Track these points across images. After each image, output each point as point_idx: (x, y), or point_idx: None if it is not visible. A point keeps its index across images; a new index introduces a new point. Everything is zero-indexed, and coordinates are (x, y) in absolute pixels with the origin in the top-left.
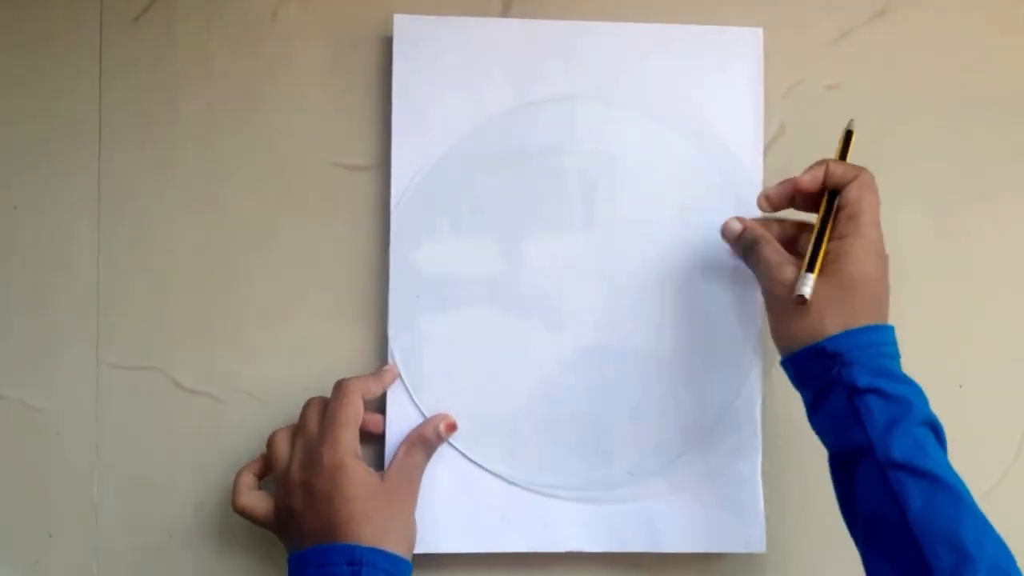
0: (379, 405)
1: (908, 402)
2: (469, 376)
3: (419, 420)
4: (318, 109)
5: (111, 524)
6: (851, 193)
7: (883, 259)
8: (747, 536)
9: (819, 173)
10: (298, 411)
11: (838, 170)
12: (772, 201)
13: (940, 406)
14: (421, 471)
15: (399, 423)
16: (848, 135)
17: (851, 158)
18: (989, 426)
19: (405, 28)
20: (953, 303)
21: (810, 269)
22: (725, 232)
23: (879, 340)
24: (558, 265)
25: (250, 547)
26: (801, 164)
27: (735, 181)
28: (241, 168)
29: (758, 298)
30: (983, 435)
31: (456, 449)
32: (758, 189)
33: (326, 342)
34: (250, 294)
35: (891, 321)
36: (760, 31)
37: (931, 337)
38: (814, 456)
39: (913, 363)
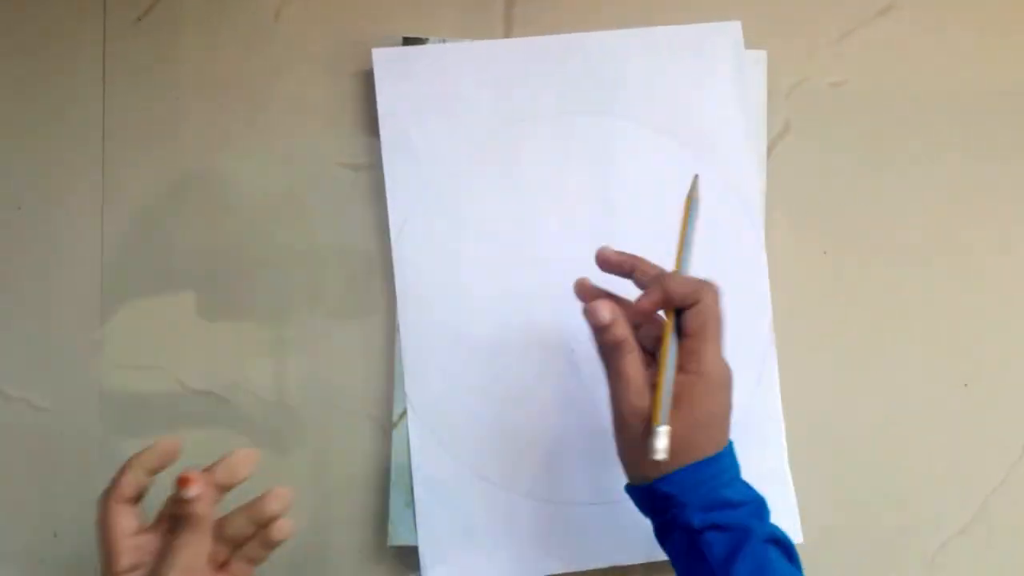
0: (385, 445)
1: (746, 528)
2: (481, 399)
3: (442, 456)
4: (321, 109)
5: None
6: (691, 323)
7: (726, 386)
8: (783, 528)
9: (656, 297)
10: (302, 413)
11: (676, 293)
12: (608, 266)
13: (945, 406)
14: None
15: (424, 461)
16: (691, 204)
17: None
18: (994, 425)
19: (384, 61)
20: (957, 303)
21: (663, 417)
22: (588, 315)
23: (713, 472)
24: (562, 276)
25: None
26: (806, 161)
27: (729, 177)
28: (245, 167)
29: (766, 290)
30: (988, 435)
31: (486, 479)
32: (754, 182)
33: (330, 341)
34: (255, 295)
35: (895, 321)
36: (739, 24)
37: (936, 337)
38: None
39: (918, 364)
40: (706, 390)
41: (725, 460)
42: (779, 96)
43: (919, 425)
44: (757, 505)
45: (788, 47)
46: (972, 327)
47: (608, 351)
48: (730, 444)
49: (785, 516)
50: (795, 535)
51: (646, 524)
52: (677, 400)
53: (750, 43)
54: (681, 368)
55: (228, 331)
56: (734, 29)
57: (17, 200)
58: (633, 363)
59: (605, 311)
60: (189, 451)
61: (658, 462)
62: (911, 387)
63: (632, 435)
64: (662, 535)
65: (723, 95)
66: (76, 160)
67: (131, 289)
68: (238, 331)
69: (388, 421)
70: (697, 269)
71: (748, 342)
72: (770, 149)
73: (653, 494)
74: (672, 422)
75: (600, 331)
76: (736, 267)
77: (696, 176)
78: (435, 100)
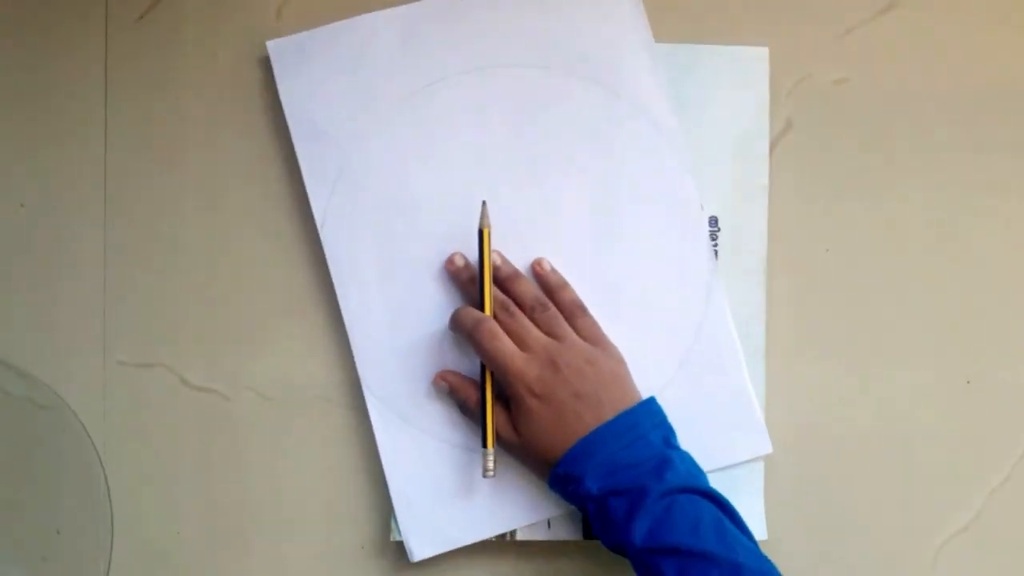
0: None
1: (641, 487)
2: (438, 365)
3: (415, 435)
4: None
5: (119, 521)
6: (484, 361)
7: (553, 401)
8: (752, 443)
9: (463, 336)
10: (304, 409)
11: (463, 326)
12: (452, 269)
13: (947, 403)
14: None
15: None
16: (480, 236)
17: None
18: (997, 421)
19: (280, 50)
20: (960, 299)
21: (484, 444)
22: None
23: (602, 440)
24: (502, 237)
25: (258, 544)
26: (808, 159)
27: (639, 104)
28: (247, 165)
29: (700, 218)
30: (991, 431)
31: (447, 442)
32: (663, 104)
33: (332, 339)
34: (257, 291)
35: (897, 318)
36: None
37: (938, 333)
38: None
39: (920, 361)
40: (528, 420)
41: (618, 425)
42: (781, 94)
43: (921, 422)
44: (658, 461)
45: (790, 45)
46: (974, 324)
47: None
48: (633, 408)
49: (752, 434)
50: (764, 447)
51: None
52: (516, 410)
53: (752, 40)
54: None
55: (231, 329)
56: None
57: (20, 198)
58: (475, 401)
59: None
60: (193, 449)
61: (543, 466)
62: (913, 384)
63: (513, 453)
64: (585, 515)
65: (624, 29)
66: (78, 158)
67: (134, 286)
68: (241, 329)
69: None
70: (630, 208)
71: (688, 267)
72: (772, 147)
73: (556, 479)
74: (522, 427)
75: (447, 387)
76: (664, 198)
77: (484, 203)
78: (336, 80)
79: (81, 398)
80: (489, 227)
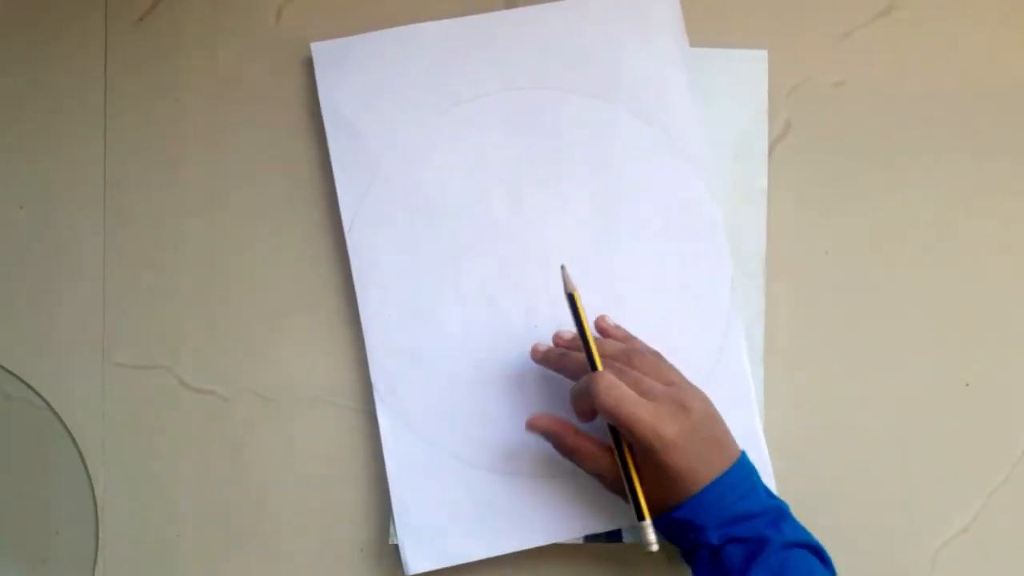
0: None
1: (762, 538)
2: (457, 387)
3: (423, 447)
4: (320, 108)
5: (118, 522)
6: (620, 429)
7: (687, 450)
8: None
9: (580, 409)
10: (303, 410)
11: (579, 408)
12: (538, 362)
13: (947, 405)
14: None
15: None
16: (571, 299)
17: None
18: (995, 424)
19: (324, 53)
20: (959, 301)
21: (640, 516)
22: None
23: (722, 490)
24: (519, 252)
25: (256, 545)
26: (807, 161)
27: (673, 137)
28: (246, 167)
29: (724, 252)
30: (989, 433)
31: (455, 457)
32: (700, 140)
33: (331, 341)
34: (256, 293)
35: (897, 320)
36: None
37: (937, 335)
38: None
39: (920, 363)
40: (664, 475)
41: (735, 475)
42: (780, 96)
43: (920, 424)
44: (775, 514)
45: (789, 47)
46: (974, 326)
47: (565, 454)
48: (742, 457)
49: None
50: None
51: (609, 494)
52: (643, 458)
53: (750, 43)
54: (637, 457)
55: (230, 330)
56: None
57: (19, 200)
58: (588, 454)
59: (539, 428)
60: (192, 451)
61: (659, 504)
62: (912, 386)
63: (617, 490)
64: (688, 556)
65: (662, 56)
66: (78, 160)
67: (133, 288)
68: (241, 330)
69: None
70: (651, 234)
71: (708, 304)
72: (771, 149)
73: (671, 522)
74: (648, 473)
75: (547, 434)
76: (689, 227)
77: (563, 267)
78: (377, 87)
79: (80, 400)
80: (576, 290)
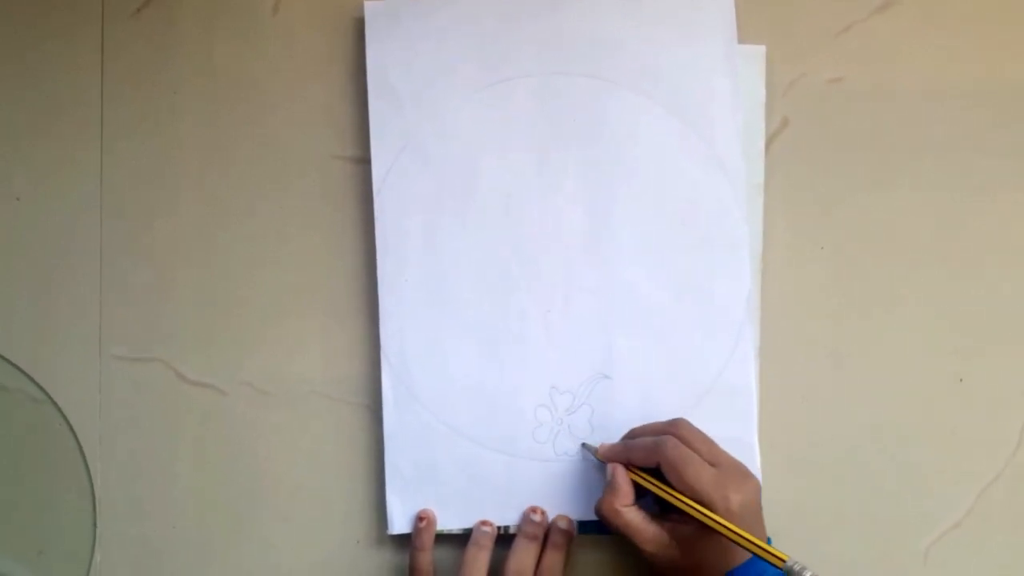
0: (377, 405)
1: None
2: (464, 361)
3: (422, 415)
4: (319, 102)
5: (114, 515)
6: (668, 475)
7: (745, 516)
8: None
9: (645, 459)
10: (300, 404)
11: (637, 456)
12: (606, 460)
13: (940, 400)
14: None
15: (399, 421)
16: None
17: None
18: (989, 420)
19: (376, 13)
20: (954, 297)
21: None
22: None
23: (764, 565)
24: (542, 235)
25: (252, 539)
26: (804, 158)
27: (714, 149)
28: (243, 160)
29: (745, 264)
30: (983, 428)
31: (454, 429)
32: (738, 157)
33: (328, 334)
34: (253, 286)
35: (891, 316)
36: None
37: (932, 331)
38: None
39: (914, 358)
40: (725, 509)
41: (756, 565)
42: (777, 92)
43: (914, 419)
44: None
45: (786, 43)
46: (967, 322)
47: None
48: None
49: None
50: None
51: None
52: (700, 528)
53: (748, 39)
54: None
55: (227, 323)
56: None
57: (15, 192)
58: (639, 528)
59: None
60: (188, 444)
61: (710, 569)
62: (906, 381)
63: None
64: None
65: (710, 60)
66: (75, 152)
67: (130, 281)
68: (237, 323)
69: (382, 410)
70: (676, 236)
71: (724, 312)
72: (768, 145)
73: None
74: (706, 545)
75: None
76: (716, 238)
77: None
78: (423, 53)
79: (77, 392)
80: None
